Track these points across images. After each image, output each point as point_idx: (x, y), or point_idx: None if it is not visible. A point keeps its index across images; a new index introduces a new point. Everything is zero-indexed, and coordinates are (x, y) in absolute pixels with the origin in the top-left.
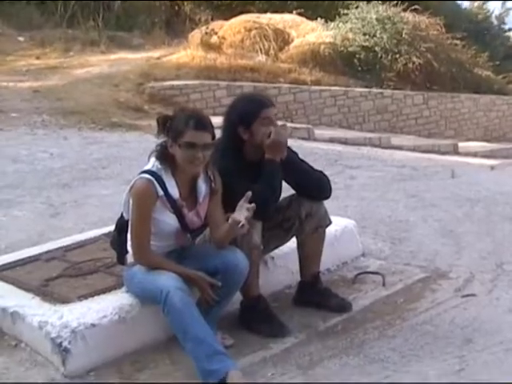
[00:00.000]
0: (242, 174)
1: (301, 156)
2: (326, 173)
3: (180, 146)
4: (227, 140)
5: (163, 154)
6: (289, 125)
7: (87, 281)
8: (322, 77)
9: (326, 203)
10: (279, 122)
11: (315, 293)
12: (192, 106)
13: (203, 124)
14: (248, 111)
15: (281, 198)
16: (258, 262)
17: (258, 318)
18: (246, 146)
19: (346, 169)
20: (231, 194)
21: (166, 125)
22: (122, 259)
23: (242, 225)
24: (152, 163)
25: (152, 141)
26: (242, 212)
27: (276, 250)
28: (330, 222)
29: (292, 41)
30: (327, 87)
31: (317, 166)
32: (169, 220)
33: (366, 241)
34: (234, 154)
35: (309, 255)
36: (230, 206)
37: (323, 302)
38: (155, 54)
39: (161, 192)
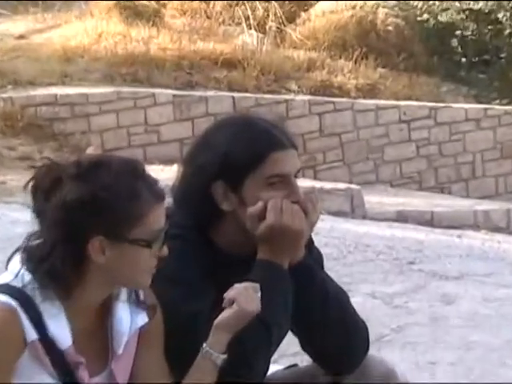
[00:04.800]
0: (212, 287)
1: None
2: (391, 290)
3: (138, 243)
4: (186, 210)
5: (55, 269)
6: (303, 183)
7: None
8: (380, 79)
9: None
10: (299, 182)
11: None
12: (98, 142)
13: (157, 182)
14: (240, 153)
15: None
16: None
17: None
18: (226, 225)
19: (433, 280)
20: (181, 328)
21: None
22: None
23: None
24: (13, 272)
25: (10, 219)
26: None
27: None
28: None
29: (315, 1)
30: (392, 102)
31: (371, 273)
32: None
33: None
34: (199, 243)
35: None
36: (180, 359)
37: None
38: (15, 26)
39: (33, 335)
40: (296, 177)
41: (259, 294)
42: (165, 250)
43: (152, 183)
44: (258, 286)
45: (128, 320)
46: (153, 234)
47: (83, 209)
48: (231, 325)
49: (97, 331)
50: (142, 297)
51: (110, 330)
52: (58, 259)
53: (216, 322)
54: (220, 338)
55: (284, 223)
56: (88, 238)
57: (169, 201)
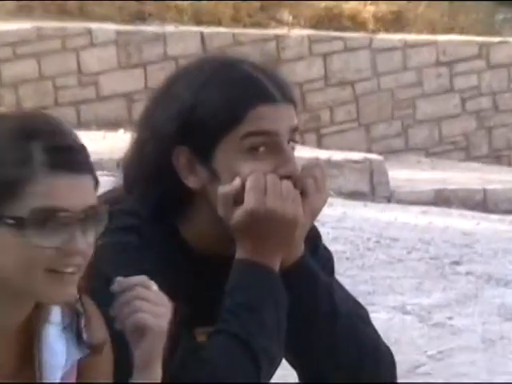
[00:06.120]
0: (178, 298)
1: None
2: (428, 301)
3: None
4: (142, 192)
5: None
6: (302, 152)
7: None
8: (408, 4)
9: None
10: (298, 151)
11: None
12: (12, 98)
13: (71, 152)
14: (212, 106)
15: None
16: None
17: None
18: (196, 211)
19: (487, 287)
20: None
21: None
22: None
23: None
24: None
25: None
26: None
27: None
28: None
29: None
30: (427, 36)
31: (399, 278)
32: None
33: None
34: (160, 238)
35: None
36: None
37: None
38: None
39: None
40: (293, 141)
41: (155, 287)
42: (91, 245)
43: (63, 143)
44: (145, 278)
45: (63, 349)
46: (46, 212)
47: None
48: (152, 357)
49: (19, 367)
50: (85, 336)
51: (39, 364)
52: None
53: (135, 361)
54: (149, 376)
55: (269, 208)
56: None
57: (117, 180)
